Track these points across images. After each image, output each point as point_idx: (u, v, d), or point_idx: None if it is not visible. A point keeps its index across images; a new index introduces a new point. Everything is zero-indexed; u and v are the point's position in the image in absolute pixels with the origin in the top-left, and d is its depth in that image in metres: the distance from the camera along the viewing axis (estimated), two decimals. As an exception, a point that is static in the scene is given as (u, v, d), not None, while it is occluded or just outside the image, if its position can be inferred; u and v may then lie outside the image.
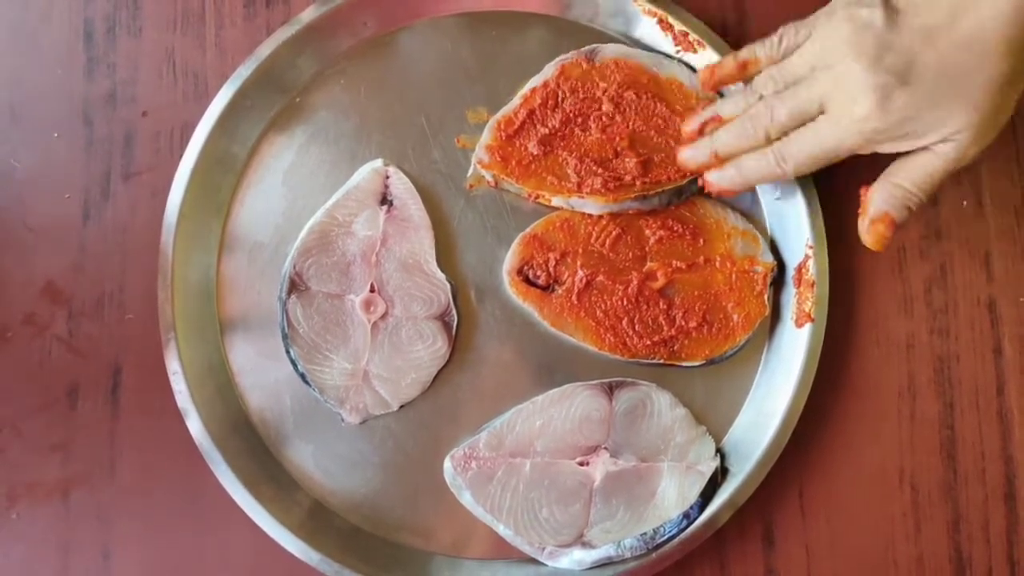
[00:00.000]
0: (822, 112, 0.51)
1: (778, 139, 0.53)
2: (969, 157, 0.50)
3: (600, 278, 0.59)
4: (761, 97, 0.54)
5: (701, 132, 0.57)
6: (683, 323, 0.59)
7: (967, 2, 0.48)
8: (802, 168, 0.53)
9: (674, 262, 0.59)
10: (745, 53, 0.55)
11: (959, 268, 0.62)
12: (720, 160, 0.56)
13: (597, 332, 0.59)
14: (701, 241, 0.59)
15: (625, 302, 0.59)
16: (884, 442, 0.60)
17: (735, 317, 0.59)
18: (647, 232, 0.59)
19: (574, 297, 0.59)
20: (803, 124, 0.52)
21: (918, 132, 0.49)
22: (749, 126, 0.54)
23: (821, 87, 0.51)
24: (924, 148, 0.51)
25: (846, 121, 0.50)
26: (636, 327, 0.58)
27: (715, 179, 0.56)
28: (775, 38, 0.54)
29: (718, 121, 0.56)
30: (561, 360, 0.60)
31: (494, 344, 0.60)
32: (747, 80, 0.56)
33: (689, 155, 0.57)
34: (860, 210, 0.54)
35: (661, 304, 0.59)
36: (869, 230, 0.53)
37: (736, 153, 0.55)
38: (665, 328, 0.59)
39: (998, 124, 0.50)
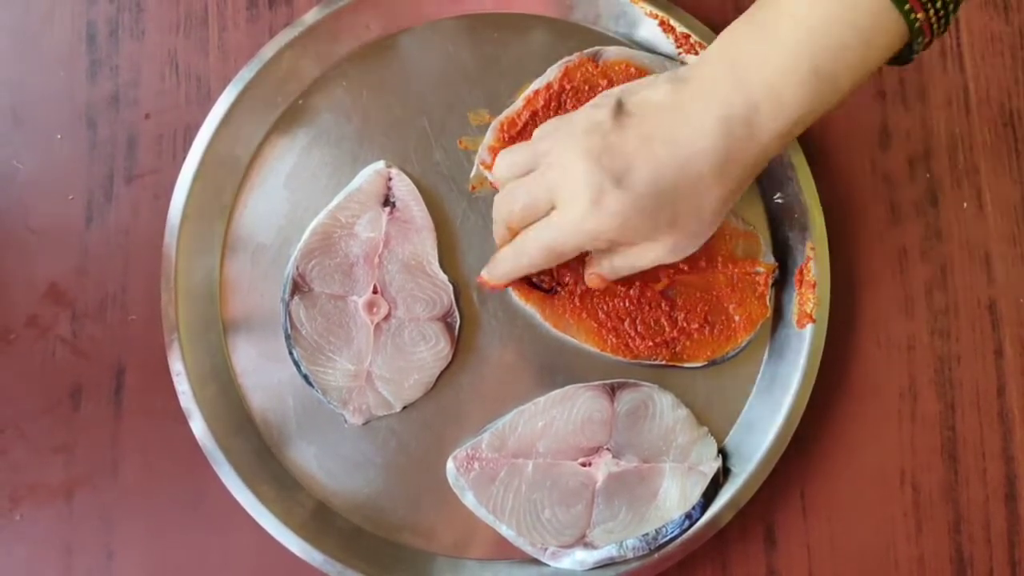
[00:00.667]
0: (553, 207, 0.51)
1: (519, 232, 0.54)
2: (666, 261, 0.53)
3: None
4: (507, 183, 0.55)
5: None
6: (685, 324, 0.59)
7: (684, 127, 0.48)
8: (537, 261, 0.53)
9: (676, 264, 0.59)
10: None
11: (960, 270, 0.62)
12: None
13: (599, 333, 0.59)
14: None
15: (627, 304, 0.59)
16: (885, 443, 0.60)
17: (736, 318, 0.59)
18: None
19: (576, 299, 0.59)
20: (539, 215, 0.52)
21: (629, 237, 0.51)
22: (495, 216, 0.56)
23: (548, 182, 0.51)
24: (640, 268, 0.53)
25: (566, 218, 0.50)
26: (638, 328, 0.59)
27: (485, 275, 0.58)
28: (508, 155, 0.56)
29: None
30: (563, 361, 0.60)
31: (496, 345, 0.60)
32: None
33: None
34: (585, 265, 0.56)
35: (663, 306, 0.59)
36: (589, 278, 0.57)
37: (501, 244, 0.57)
38: (667, 329, 0.59)
39: (700, 240, 0.52)
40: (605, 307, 0.59)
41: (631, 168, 0.48)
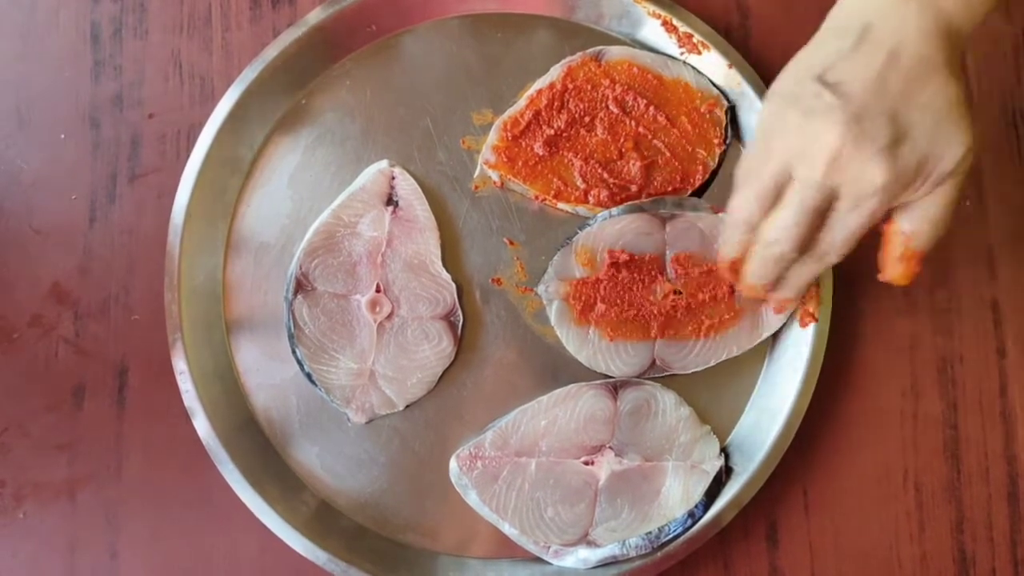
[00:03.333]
0: (834, 200, 0.49)
1: (806, 249, 0.51)
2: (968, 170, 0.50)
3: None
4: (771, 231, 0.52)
5: (735, 271, 0.54)
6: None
7: (893, 46, 0.48)
8: (845, 252, 0.51)
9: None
10: (733, 249, 0.53)
11: (962, 269, 0.62)
12: (767, 288, 0.54)
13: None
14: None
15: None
16: (888, 442, 0.60)
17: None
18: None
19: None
20: (822, 220, 0.50)
21: (937, 170, 0.48)
22: (772, 255, 0.51)
23: (814, 182, 0.48)
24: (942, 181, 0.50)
25: (865, 196, 0.48)
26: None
27: (776, 308, 0.58)
28: (749, 193, 0.51)
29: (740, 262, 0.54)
30: (566, 360, 0.60)
31: (499, 344, 0.60)
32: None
33: (742, 289, 0.55)
34: (884, 249, 0.52)
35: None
36: (898, 268, 0.52)
37: (776, 277, 0.53)
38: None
39: (971, 122, 0.50)
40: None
41: (892, 116, 0.47)
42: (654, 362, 0.59)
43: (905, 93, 0.47)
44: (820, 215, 0.49)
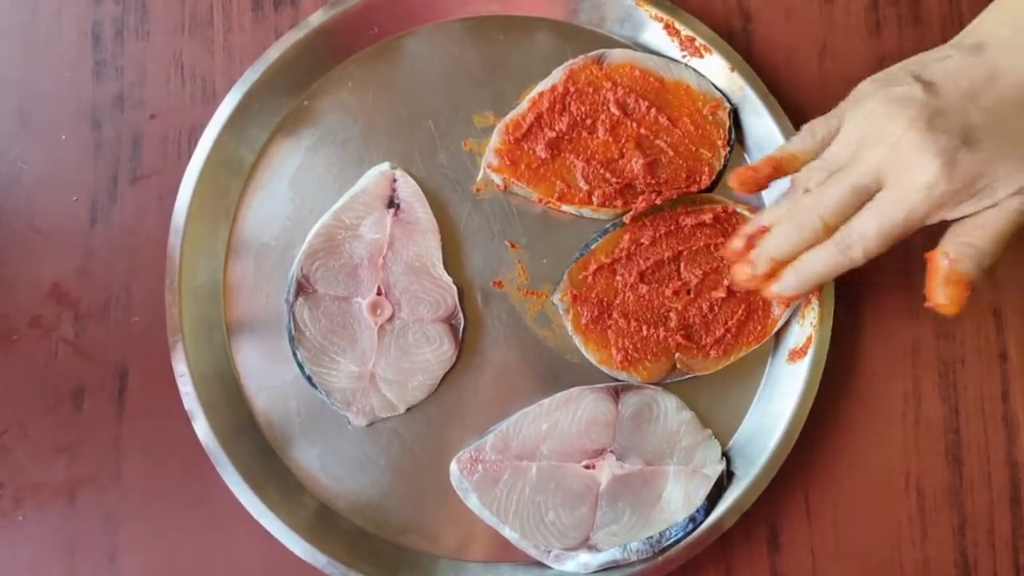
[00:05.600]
0: (879, 188, 0.49)
1: (835, 228, 0.50)
2: None
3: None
4: (807, 191, 0.52)
5: (750, 247, 0.53)
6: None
7: (999, 68, 0.49)
8: (872, 249, 0.50)
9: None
10: (779, 152, 0.53)
11: (964, 273, 0.62)
12: (776, 268, 0.53)
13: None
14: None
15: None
16: (889, 446, 0.60)
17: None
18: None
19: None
20: (860, 205, 0.50)
21: (990, 189, 0.48)
22: (802, 220, 0.51)
23: (874, 162, 0.49)
24: (990, 205, 0.49)
25: (911, 189, 0.48)
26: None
27: (778, 290, 0.53)
28: (805, 132, 0.53)
29: (765, 231, 0.53)
30: (567, 363, 0.60)
31: (500, 347, 0.60)
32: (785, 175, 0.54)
33: (745, 272, 0.53)
34: (930, 274, 0.51)
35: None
36: (946, 294, 0.50)
37: (794, 254, 0.52)
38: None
39: None
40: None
41: (970, 124, 0.48)
42: (675, 366, 0.59)
43: (991, 112, 0.48)
44: (860, 201, 0.49)
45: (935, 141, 0.47)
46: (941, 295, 0.50)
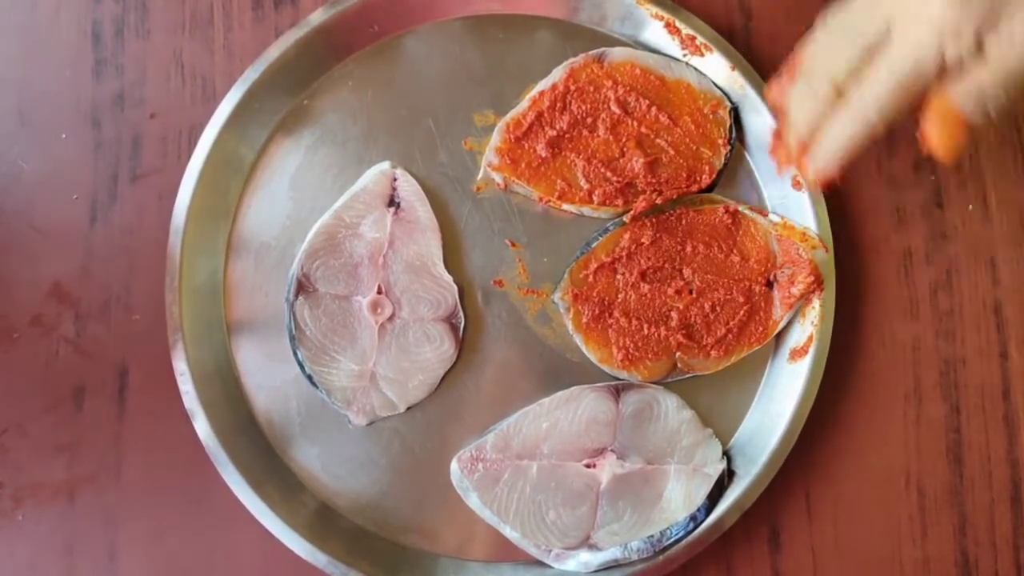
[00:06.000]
0: (889, 35, 0.45)
1: (847, 87, 0.47)
2: None
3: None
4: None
5: (779, 136, 0.53)
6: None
7: None
8: (886, 107, 0.46)
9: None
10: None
11: (965, 272, 0.62)
12: (805, 147, 0.50)
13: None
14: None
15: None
16: (890, 445, 0.60)
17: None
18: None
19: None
20: (871, 62, 0.46)
21: (999, 22, 0.43)
22: (812, 83, 0.48)
23: (879, 10, 0.45)
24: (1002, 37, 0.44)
25: (921, 27, 0.44)
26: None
27: (812, 167, 0.50)
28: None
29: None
30: (567, 362, 0.60)
31: (501, 346, 0.60)
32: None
33: (780, 155, 0.54)
34: (924, 115, 0.47)
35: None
36: (940, 135, 0.46)
37: (815, 123, 0.49)
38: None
39: None
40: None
41: None
42: (675, 365, 0.59)
43: None
44: (870, 51, 0.46)
45: None
46: (935, 136, 0.46)
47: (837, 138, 0.48)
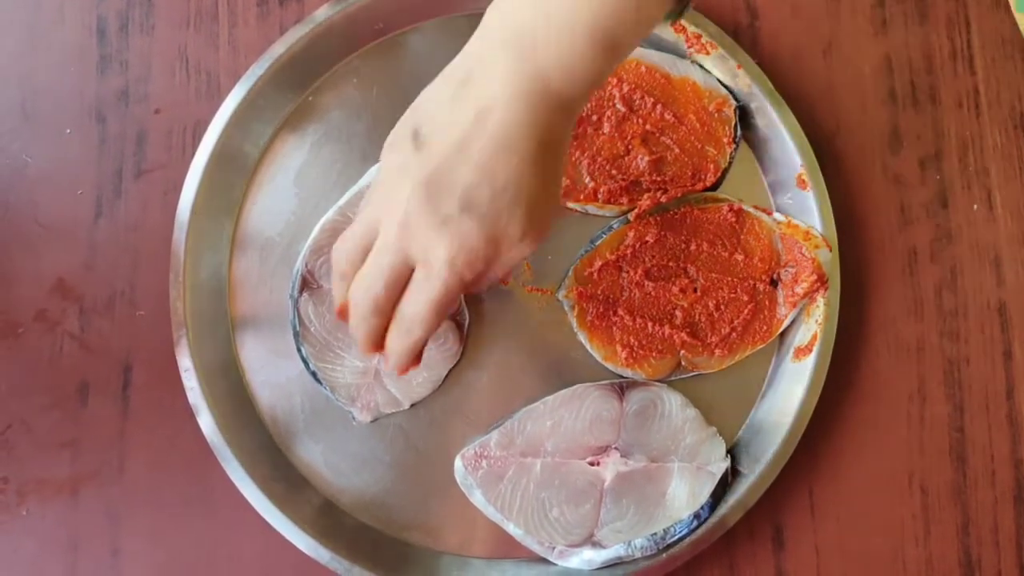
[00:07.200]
0: (412, 264, 0.47)
1: (392, 304, 0.48)
2: (520, 259, 0.48)
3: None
4: (345, 273, 0.50)
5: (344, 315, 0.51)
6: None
7: (484, 103, 0.44)
8: (432, 325, 0.48)
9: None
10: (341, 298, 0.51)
11: (969, 272, 0.62)
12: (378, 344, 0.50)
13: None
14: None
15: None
16: (894, 444, 0.60)
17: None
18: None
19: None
20: (403, 279, 0.47)
21: (506, 251, 0.46)
22: (359, 310, 0.49)
23: (393, 240, 0.46)
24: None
25: (436, 267, 0.46)
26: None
27: (390, 369, 0.51)
28: (342, 245, 0.50)
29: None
30: (572, 360, 0.60)
31: (505, 343, 0.60)
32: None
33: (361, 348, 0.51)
34: None
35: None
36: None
37: (378, 333, 0.49)
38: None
39: (549, 211, 0.48)
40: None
41: (467, 184, 0.44)
42: (680, 364, 0.59)
43: (482, 165, 0.44)
44: (400, 281, 0.47)
45: (434, 214, 0.44)
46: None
47: (394, 349, 0.49)
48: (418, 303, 0.47)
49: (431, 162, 0.45)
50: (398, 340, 0.49)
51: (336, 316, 0.52)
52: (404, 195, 0.45)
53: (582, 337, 0.59)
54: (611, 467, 0.57)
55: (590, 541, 0.57)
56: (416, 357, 0.50)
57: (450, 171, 0.45)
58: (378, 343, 0.50)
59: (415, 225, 0.45)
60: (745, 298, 0.59)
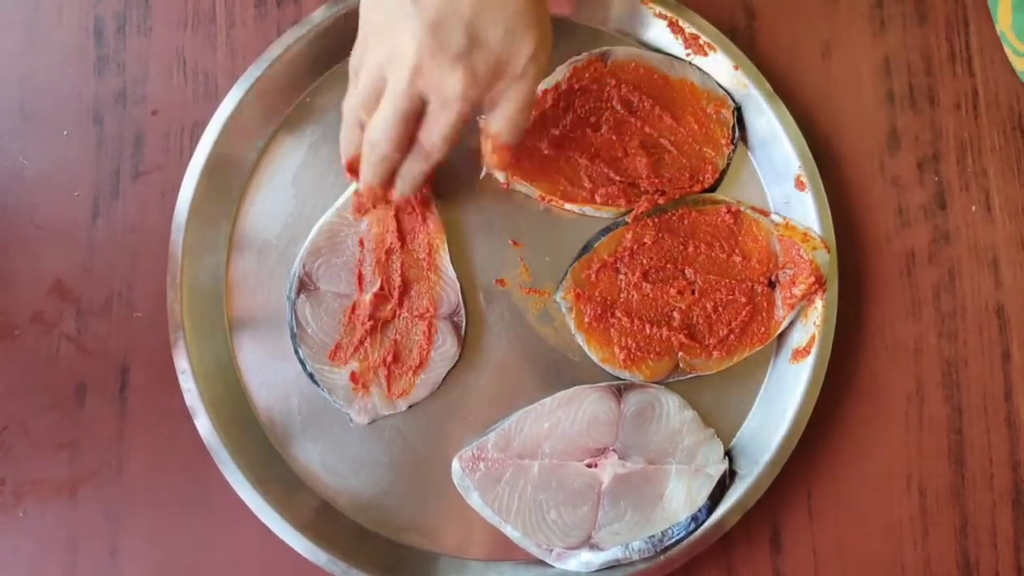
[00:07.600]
0: (424, 102, 0.51)
1: (406, 144, 0.53)
2: (547, 66, 0.53)
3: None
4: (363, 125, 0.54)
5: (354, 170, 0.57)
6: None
7: None
8: (446, 150, 0.53)
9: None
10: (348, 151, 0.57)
11: (967, 273, 0.62)
12: (388, 184, 0.56)
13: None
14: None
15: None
16: (892, 446, 0.60)
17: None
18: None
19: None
20: (415, 118, 0.52)
21: (508, 71, 0.51)
22: (374, 157, 0.54)
23: (405, 84, 0.50)
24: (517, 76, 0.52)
25: (449, 98, 0.50)
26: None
27: (396, 196, 0.57)
28: (352, 98, 0.55)
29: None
30: (569, 362, 0.60)
31: (503, 345, 0.60)
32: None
33: (365, 195, 0.57)
34: (482, 138, 0.55)
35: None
36: (493, 158, 0.55)
37: (389, 173, 0.55)
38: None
39: (549, 27, 0.52)
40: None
41: (467, 21, 0.49)
42: (677, 365, 0.59)
43: (476, 4, 0.49)
44: (415, 117, 0.52)
45: (446, 52, 0.49)
46: (491, 160, 0.55)
47: (410, 174, 0.55)
48: (436, 132, 0.52)
49: (429, 11, 0.49)
50: (416, 166, 0.55)
51: (345, 172, 0.57)
52: (408, 40, 0.49)
53: (580, 339, 0.59)
54: (609, 469, 0.57)
55: (588, 543, 0.57)
56: (423, 183, 0.57)
57: (451, 17, 0.49)
58: (391, 179, 0.55)
59: (427, 67, 0.50)
60: (743, 300, 0.59)
